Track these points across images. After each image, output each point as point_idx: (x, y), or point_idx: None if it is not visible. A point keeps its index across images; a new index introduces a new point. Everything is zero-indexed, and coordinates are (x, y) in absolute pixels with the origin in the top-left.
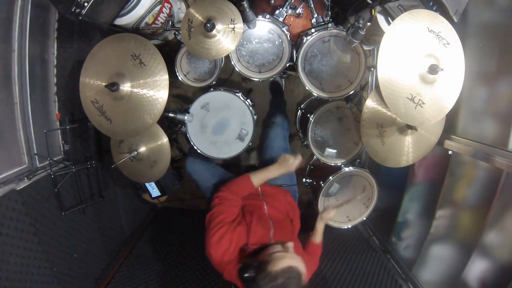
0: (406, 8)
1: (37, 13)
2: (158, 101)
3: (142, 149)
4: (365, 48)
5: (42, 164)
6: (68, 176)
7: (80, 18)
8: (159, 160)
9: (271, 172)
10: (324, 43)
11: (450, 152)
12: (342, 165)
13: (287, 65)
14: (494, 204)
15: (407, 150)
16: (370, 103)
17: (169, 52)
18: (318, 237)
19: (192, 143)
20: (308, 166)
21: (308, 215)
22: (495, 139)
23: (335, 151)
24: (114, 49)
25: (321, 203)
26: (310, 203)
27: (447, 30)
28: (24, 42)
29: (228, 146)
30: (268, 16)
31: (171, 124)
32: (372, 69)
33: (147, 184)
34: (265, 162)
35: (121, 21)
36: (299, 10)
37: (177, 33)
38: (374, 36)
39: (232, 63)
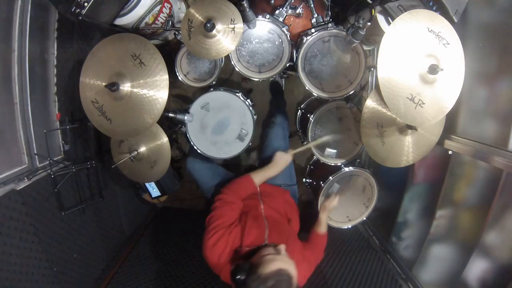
0: (406, 8)
1: (37, 13)
2: (158, 101)
3: (142, 149)
4: (365, 48)
5: (42, 164)
6: (68, 176)
7: (80, 18)
8: (159, 160)
9: (269, 171)
10: (324, 43)
11: (450, 152)
12: (342, 165)
13: (287, 65)
14: (494, 204)
15: (407, 150)
16: (370, 103)
17: (169, 52)
18: (322, 227)
19: (192, 143)
20: (308, 166)
21: (308, 215)
22: (495, 139)
23: (335, 151)
24: (114, 49)
25: (321, 203)
26: (310, 203)
27: (447, 30)
28: (24, 42)
29: (228, 146)
30: (268, 16)
31: (171, 124)
32: (372, 69)
33: (147, 184)
34: (265, 162)
35: (121, 21)
36: (299, 10)
37: (177, 33)
38: (374, 36)
39: (232, 63)
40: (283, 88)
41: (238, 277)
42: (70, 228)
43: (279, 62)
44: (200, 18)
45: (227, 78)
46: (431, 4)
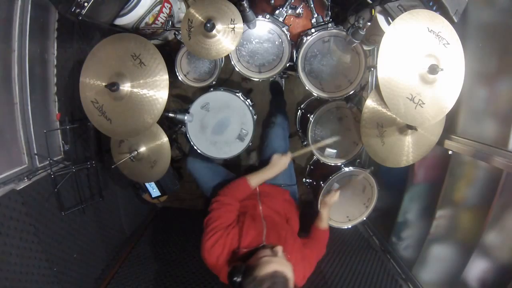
0: (406, 8)
1: (37, 13)
2: (158, 101)
3: (142, 149)
4: (365, 48)
5: (42, 164)
6: (68, 176)
7: (80, 18)
8: (159, 160)
9: (266, 173)
10: (324, 43)
11: (450, 152)
12: (342, 165)
13: (287, 65)
14: (494, 204)
15: (407, 150)
16: (370, 103)
17: (169, 52)
18: (323, 223)
19: (192, 143)
20: (308, 166)
21: (308, 215)
22: (495, 139)
23: (335, 151)
24: (114, 49)
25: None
26: (310, 203)
27: (447, 30)
28: (24, 42)
29: (228, 146)
30: (268, 16)
31: (171, 124)
32: (372, 69)
33: (147, 184)
34: (265, 162)
35: (121, 21)
36: (299, 10)
37: (177, 33)
38: (374, 36)
39: (232, 63)
40: (283, 88)
41: (235, 279)
42: (70, 228)
43: (279, 62)
44: (200, 18)
45: (227, 78)
46: (431, 4)
